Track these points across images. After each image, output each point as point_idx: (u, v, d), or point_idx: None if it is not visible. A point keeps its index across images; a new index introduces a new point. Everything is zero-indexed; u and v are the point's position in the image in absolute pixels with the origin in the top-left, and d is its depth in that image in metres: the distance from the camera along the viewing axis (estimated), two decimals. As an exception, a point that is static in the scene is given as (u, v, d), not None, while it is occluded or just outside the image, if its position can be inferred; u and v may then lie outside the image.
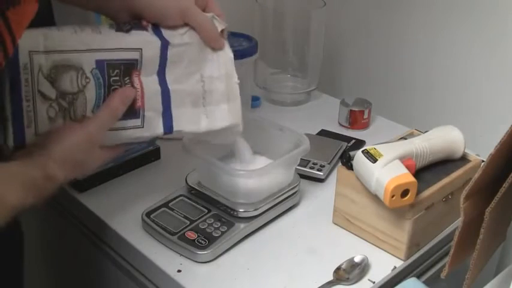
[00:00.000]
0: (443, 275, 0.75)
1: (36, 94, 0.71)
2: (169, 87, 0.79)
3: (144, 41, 0.76)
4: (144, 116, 0.78)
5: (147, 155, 1.05)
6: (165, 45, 0.77)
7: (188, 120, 0.81)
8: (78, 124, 0.73)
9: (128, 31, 0.76)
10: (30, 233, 1.03)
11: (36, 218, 1.17)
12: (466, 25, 1.24)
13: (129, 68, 0.75)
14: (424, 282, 0.80)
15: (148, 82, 0.77)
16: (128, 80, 0.76)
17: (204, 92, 0.81)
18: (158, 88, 0.78)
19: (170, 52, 0.78)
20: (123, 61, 0.75)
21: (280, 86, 1.31)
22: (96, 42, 0.74)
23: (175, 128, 0.80)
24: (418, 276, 0.88)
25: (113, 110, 0.74)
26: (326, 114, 1.25)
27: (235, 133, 0.84)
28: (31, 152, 0.71)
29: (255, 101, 1.27)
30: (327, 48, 1.41)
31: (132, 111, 0.76)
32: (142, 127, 0.78)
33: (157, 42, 0.77)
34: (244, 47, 1.14)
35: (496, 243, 0.82)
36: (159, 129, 0.79)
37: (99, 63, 0.73)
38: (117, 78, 0.75)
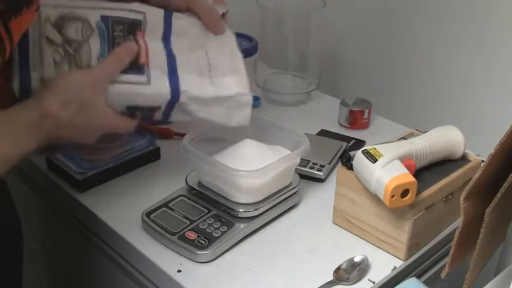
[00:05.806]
0: (443, 275, 0.75)
1: (43, 39, 0.75)
2: (175, 54, 0.81)
3: (147, 7, 0.81)
4: (149, 73, 0.79)
5: (147, 155, 1.05)
6: (168, 14, 0.81)
7: (195, 85, 0.82)
8: (84, 69, 0.76)
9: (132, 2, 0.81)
10: (30, 232, 1.03)
11: (36, 217, 1.17)
12: (466, 25, 1.24)
13: (133, 27, 0.79)
14: (424, 282, 0.80)
15: (154, 45, 0.81)
16: (132, 38, 0.79)
17: (210, 65, 0.83)
18: (163, 51, 0.81)
19: (175, 22, 0.82)
20: (127, 19, 0.79)
21: (280, 86, 1.31)
22: (102, 3, 0.79)
23: (183, 87, 0.81)
24: (418, 276, 0.88)
25: (117, 57, 0.77)
26: (326, 114, 1.25)
27: (246, 104, 0.85)
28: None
29: (255, 101, 1.25)
30: (327, 48, 1.41)
31: (137, 66, 0.79)
32: (148, 84, 0.79)
33: (160, 11, 0.81)
34: (244, 47, 1.14)
35: (496, 243, 0.82)
36: (165, 87, 0.80)
37: (104, 18, 0.78)
38: (121, 34, 0.79)
